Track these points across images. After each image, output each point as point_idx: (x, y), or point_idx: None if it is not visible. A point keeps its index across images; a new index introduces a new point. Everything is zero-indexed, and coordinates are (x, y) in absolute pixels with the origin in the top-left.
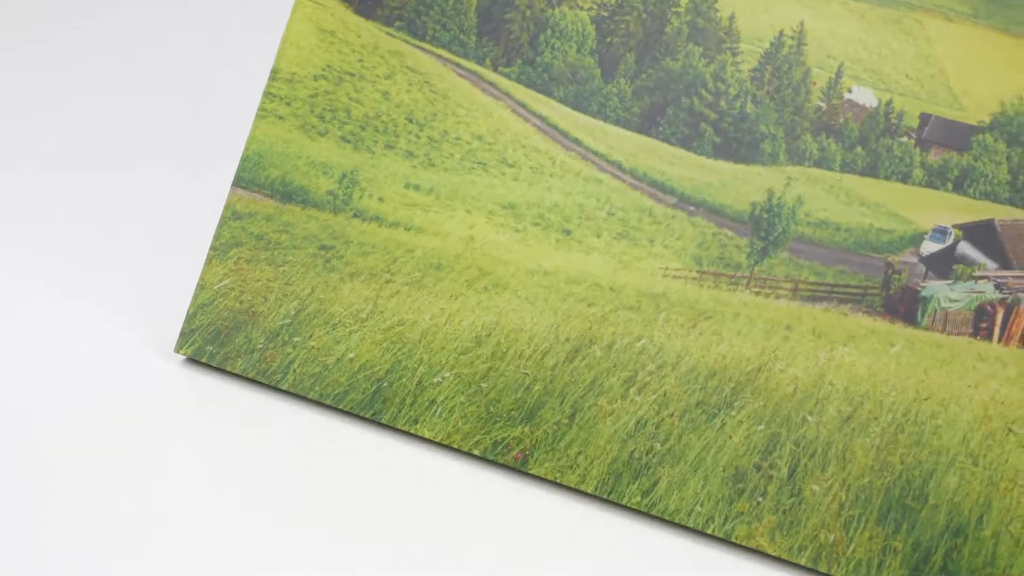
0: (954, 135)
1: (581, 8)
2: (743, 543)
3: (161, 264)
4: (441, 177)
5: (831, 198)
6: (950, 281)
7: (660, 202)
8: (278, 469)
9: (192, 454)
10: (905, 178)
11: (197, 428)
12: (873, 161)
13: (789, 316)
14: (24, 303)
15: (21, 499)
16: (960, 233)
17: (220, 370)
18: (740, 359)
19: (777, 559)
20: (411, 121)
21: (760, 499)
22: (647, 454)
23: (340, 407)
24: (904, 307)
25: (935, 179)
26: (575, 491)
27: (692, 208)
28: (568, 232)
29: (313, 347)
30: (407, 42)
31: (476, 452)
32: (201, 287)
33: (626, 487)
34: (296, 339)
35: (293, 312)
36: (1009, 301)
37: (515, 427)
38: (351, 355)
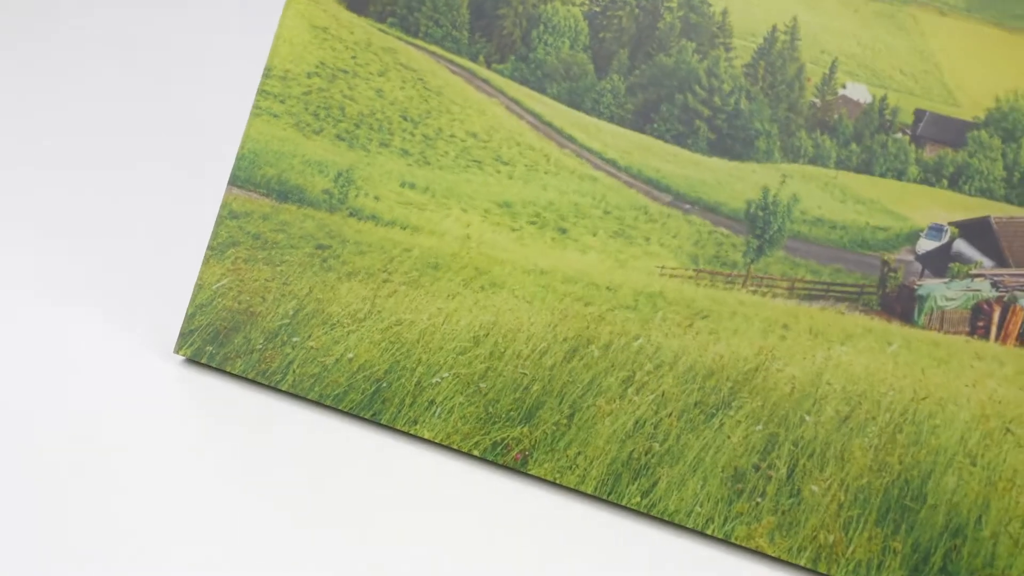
0: (949, 131)
1: (573, 4)
2: (743, 544)
3: (159, 264)
4: (436, 175)
5: (826, 195)
6: (946, 279)
7: (655, 200)
8: (279, 470)
9: (193, 455)
10: (900, 175)
11: (198, 429)
12: (868, 158)
13: (786, 315)
14: (22, 305)
15: (22, 500)
16: (956, 231)
17: (220, 371)
18: (737, 358)
19: (777, 560)
20: (405, 119)
21: (759, 499)
22: (646, 454)
23: (340, 408)
24: (900, 306)
25: (930, 176)
26: (575, 491)
27: (688, 206)
28: (564, 231)
29: (312, 347)
30: (400, 39)
31: (476, 453)
32: (199, 287)
33: (625, 488)
34: (295, 339)
35: (291, 312)
36: (1006, 299)
37: (514, 427)
38: (350, 355)
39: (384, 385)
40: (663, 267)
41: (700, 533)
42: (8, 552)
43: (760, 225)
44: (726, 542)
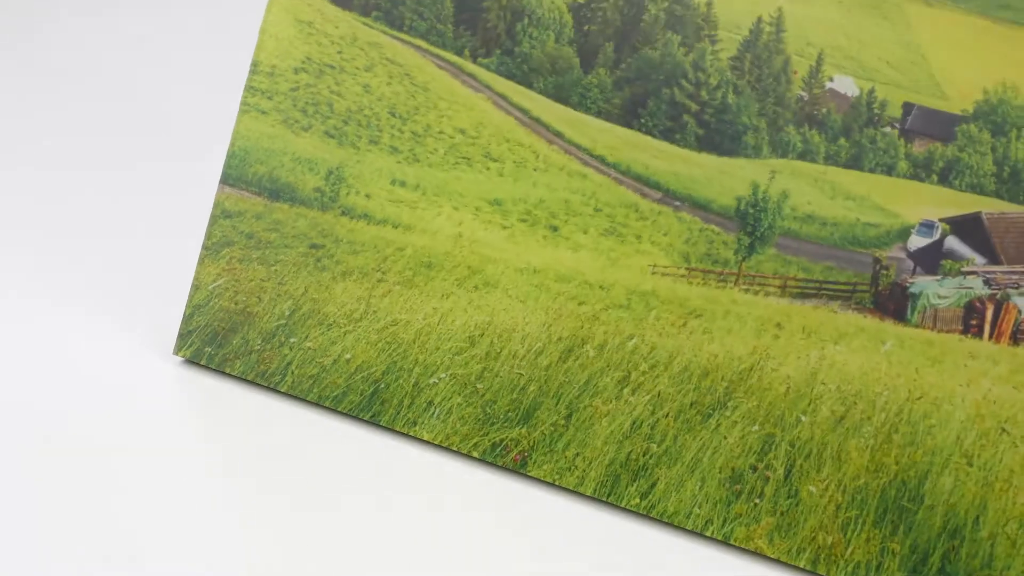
0: (938, 125)
1: None
2: (742, 545)
3: (156, 264)
4: (426, 173)
5: (816, 191)
6: (938, 277)
7: (646, 197)
8: (280, 472)
9: (194, 457)
10: (890, 170)
11: (199, 431)
12: (857, 153)
13: (779, 314)
14: (21, 307)
15: (22, 500)
16: (947, 227)
17: (219, 372)
18: (732, 358)
19: (777, 561)
20: (393, 115)
21: (757, 501)
22: (644, 455)
23: (339, 409)
24: (893, 304)
25: (920, 171)
26: (575, 492)
27: (678, 203)
28: (555, 229)
29: (310, 348)
30: (385, 33)
31: (475, 454)
32: (196, 287)
33: (624, 489)
34: (292, 340)
35: (288, 312)
36: (999, 297)
37: (512, 428)
38: (347, 356)
39: (382, 386)
40: (655, 265)
41: (700, 535)
42: (8, 552)
43: (751, 222)
44: (726, 543)
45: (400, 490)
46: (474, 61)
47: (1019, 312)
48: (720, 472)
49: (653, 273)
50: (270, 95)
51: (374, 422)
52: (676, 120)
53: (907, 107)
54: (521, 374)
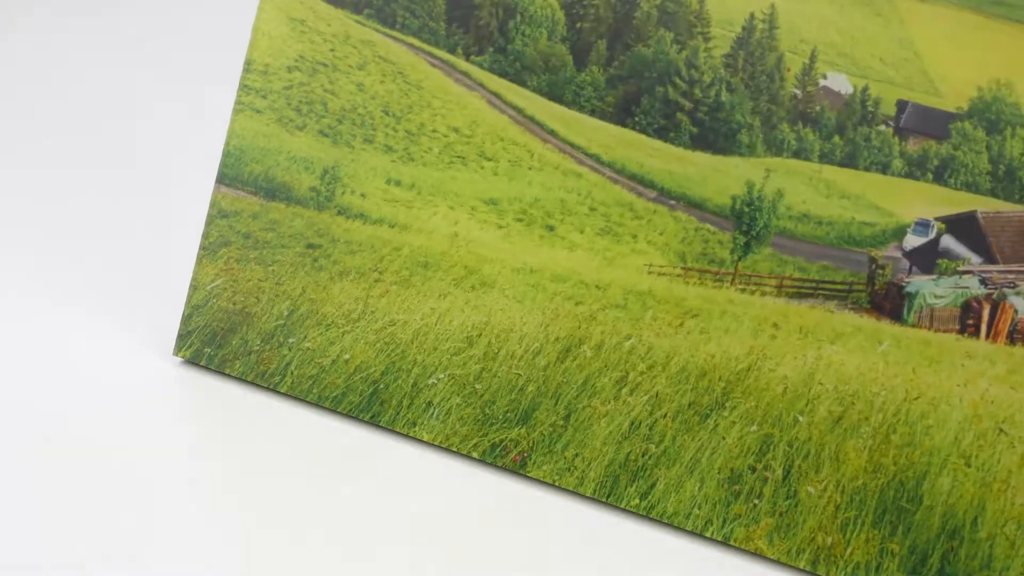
0: (932, 123)
1: None
2: (742, 546)
3: (157, 264)
4: (421, 172)
5: (811, 190)
6: (934, 276)
7: (641, 196)
8: (281, 473)
9: (195, 458)
10: (885, 168)
11: (200, 432)
12: (852, 151)
13: (775, 314)
14: (21, 307)
15: (22, 501)
16: (943, 226)
17: (219, 372)
18: (729, 358)
19: (776, 562)
20: (387, 114)
21: (756, 501)
22: (643, 456)
23: (339, 410)
24: (890, 303)
25: (915, 169)
26: (574, 493)
27: (673, 202)
28: (551, 228)
29: (308, 348)
30: (377, 30)
31: (475, 455)
32: (194, 288)
33: (624, 490)
34: (291, 340)
35: (286, 312)
36: (995, 297)
37: (511, 429)
38: (346, 356)
39: (381, 387)
40: (651, 265)
41: (700, 535)
42: (7, 553)
43: (746, 221)
44: (725, 544)
45: (401, 491)
46: (467, 59)
47: (1016, 312)
48: (719, 473)
49: (649, 273)
50: (264, 94)
51: (374, 423)
52: (670, 118)
53: (901, 104)
54: (519, 374)
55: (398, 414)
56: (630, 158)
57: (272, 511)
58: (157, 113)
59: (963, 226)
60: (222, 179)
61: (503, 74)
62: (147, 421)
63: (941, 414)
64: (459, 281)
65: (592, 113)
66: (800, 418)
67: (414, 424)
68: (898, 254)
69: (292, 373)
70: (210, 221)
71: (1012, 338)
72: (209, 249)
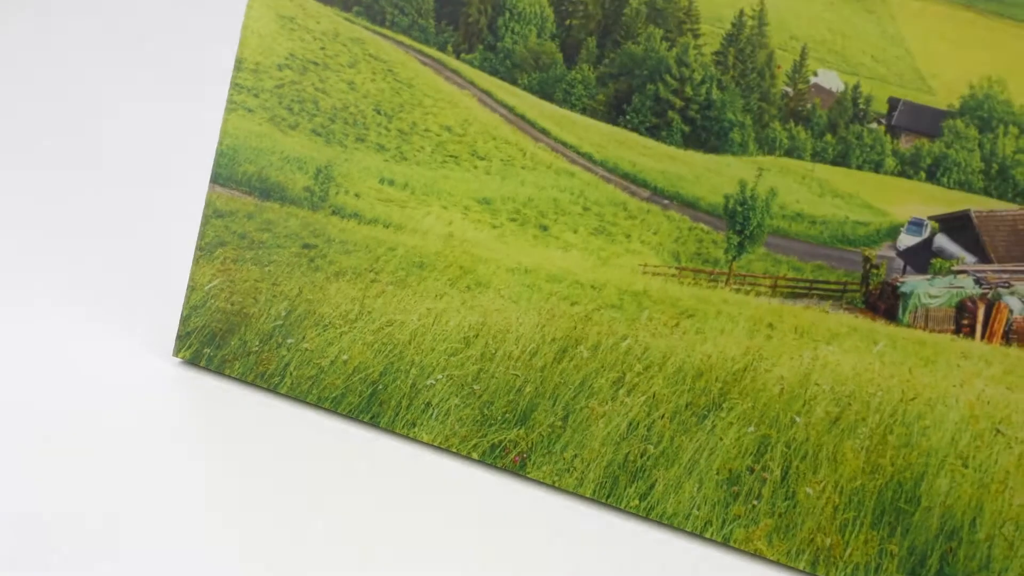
0: (924, 121)
1: None
2: (742, 547)
3: (157, 264)
4: (414, 171)
5: (804, 189)
6: (929, 276)
7: (634, 195)
8: (282, 474)
9: (195, 459)
10: (877, 167)
11: (200, 433)
12: (844, 150)
13: (770, 314)
14: (21, 307)
15: (21, 502)
16: (936, 225)
17: (219, 373)
18: (725, 359)
19: (776, 563)
20: (379, 112)
21: (755, 502)
22: (641, 456)
23: (338, 411)
24: (884, 303)
25: (908, 168)
26: (575, 494)
27: (666, 201)
28: (545, 228)
29: (307, 349)
30: (367, 28)
31: (475, 456)
32: (192, 288)
33: (623, 490)
34: (289, 341)
35: (284, 313)
36: (990, 296)
37: (510, 430)
38: (344, 357)
39: (380, 387)
40: (645, 265)
41: (700, 536)
42: (8, 552)
43: (740, 221)
44: (725, 545)
45: (401, 492)
46: (457, 57)
47: (1010, 312)
48: (717, 474)
49: (644, 273)
50: (256, 92)
51: (373, 423)
52: (661, 117)
53: (893, 102)
54: (517, 375)
55: (397, 415)
56: (622, 157)
57: (273, 512)
58: (155, 113)
59: (957, 225)
60: (216, 179)
61: (493, 72)
62: (147, 422)
63: (938, 415)
64: (454, 281)
65: (583, 111)
66: (797, 419)
67: (414, 425)
68: (892, 253)
69: (291, 374)
70: (206, 221)
71: (1007, 338)
72: (206, 250)
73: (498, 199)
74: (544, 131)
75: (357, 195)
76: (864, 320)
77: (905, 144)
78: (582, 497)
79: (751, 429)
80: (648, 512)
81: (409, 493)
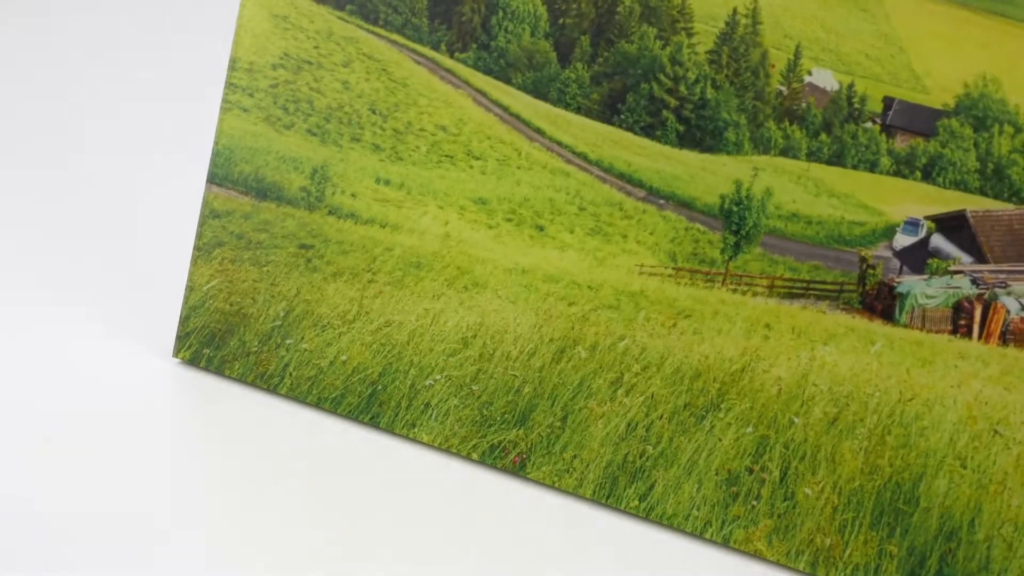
0: (919, 120)
1: None
2: (741, 548)
3: (157, 264)
4: (410, 171)
5: (800, 189)
6: (925, 276)
7: (629, 195)
8: (282, 475)
9: (195, 460)
10: (872, 166)
11: (200, 434)
12: (839, 149)
13: (767, 314)
14: (21, 307)
15: (21, 503)
16: (932, 225)
17: (219, 374)
18: (723, 359)
19: (776, 563)
20: (374, 112)
21: (755, 503)
22: (640, 457)
23: (338, 411)
24: (881, 304)
25: (903, 167)
26: (574, 495)
27: (662, 201)
28: (541, 228)
29: (306, 349)
30: (360, 27)
31: (475, 456)
32: (190, 289)
33: (623, 491)
34: (288, 341)
35: (282, 313)
36: (986, 297)
37: (509, 430)
38: (343, 357)
39: (379, 388)
40: (642, 265)
41: (699, 537)
42: (7, 552)
43: (736, 221)
44: (725, 545)
45: (401, 492)
46: (451, 56)
47: (1007, 312)
48: (717, 474)
49: (640, 273)
50: (251, 92)
51: (373, 424)
52: (656, 116)
53: (887, 101)
54: (515, 376)
55: (397, 415)
56: (617, 156)
57: (273, 512)
58: (153, 112)
59: (953, 225)
60: (213, 179)
61: (488, 71)
62: (147, 422)
63: (936, 415)
64: (452, 282)
65: (578, 111)
66: (795, 419)
67: (413, 425)
68: (888, 253)
69: (291, 375)
70: (203, 221)
71: (1004, 339)
72: (203, 250)
73: (494, 199)
74: (539, 131)
75: (353, 195)
76: (861, 320)
77: (900, 143)
78: (582, 498)
79: (749, 430)
80: (648, 513)
81: (409, 494)
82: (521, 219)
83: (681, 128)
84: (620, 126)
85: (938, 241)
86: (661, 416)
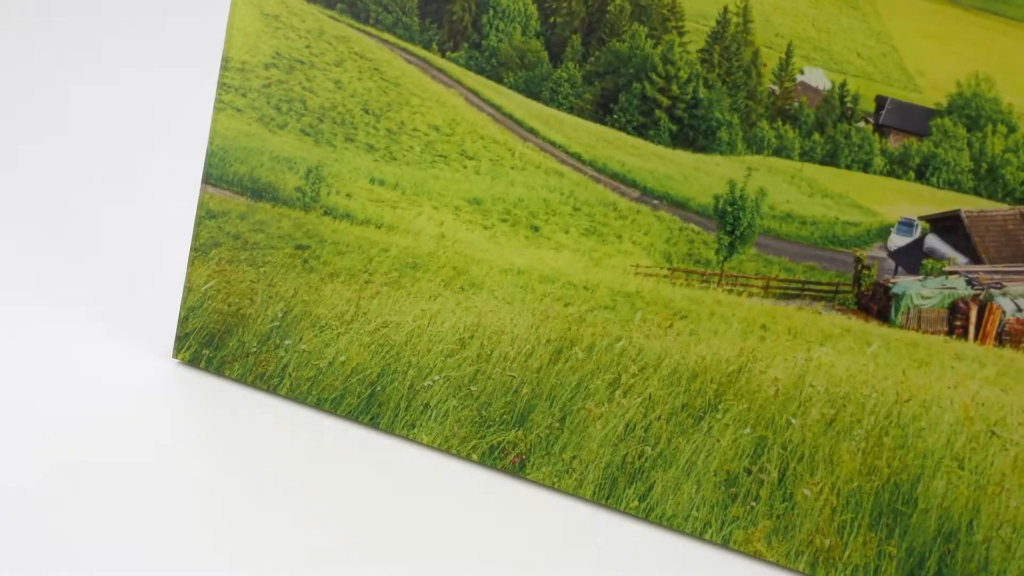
0: (912, 119)
1: None
2: (741, 549)
3: (157, 265)
4: (404, 171)
5: (793, 189)
6: (921, 277)
7: (623, 195)
8: (282, 475)
9: (195, 460)
10: (866, 167)
11: (200, 434)
12: (832, 149)
13: (763, 315)
14: (22, 307)
15: (21, 503)
16: (927, 225)
17: (219, 374)
18: (720, 360)
19: (776, 564)
20: (367, 112)
21: (754, 504)
22: (639, 458)
23: (338, 412)
24: (877, 305)
25: (897, 167)
26: (574, 495)
27: (656, 202)
28: (536, 228)
29: (304, 350)
30: (352, 26)
31: (474, 457)
32: (188, 289)
33: (622, 492)
34: (287, 342)
35: (280, 314)
36: (982, 298)
37: (508, 431)
38: (342, 358)
39: (378, 389)
40: (637, 266)
41: (699, 538)
42: (7, 552)
43: (730, 221)
44: (725, 546)
45: (402, 493)
46: (442, 55)
47: (1003, 313)
48: (715, 475)
49: (636, 273)
50: (243, 92)
51: (373, 425)
52: (648, 116)
53: (880, 101)
54: (513, 376)
55: (396, 416)
56: (611, 157)
57: (273, 513)
58: (151, 112)
59: (947, 225)
60: (208, 179)
61: (479, 71)
62: (147, 423)
63: (933, 416)
64: (448, 282)
65: (570, 110)
66: (793, 420)
67: (413, 426)
68: (883, 254)
69: (290, 375)
70: (199, 222)
71: (1000, 340)
72: (200, 250)
73: (488, 199)
74: (532, 130)
75: (348, 195)
76: (857, 321)
77: (893, 143)
78: (582, 498)
79: (747, 431)
80: (647, 514)
81: (410, 494)
82: (516, 219)
83: (674, 128)
84: (613, 126)
85: (933, 242)
86: (659, 417)
